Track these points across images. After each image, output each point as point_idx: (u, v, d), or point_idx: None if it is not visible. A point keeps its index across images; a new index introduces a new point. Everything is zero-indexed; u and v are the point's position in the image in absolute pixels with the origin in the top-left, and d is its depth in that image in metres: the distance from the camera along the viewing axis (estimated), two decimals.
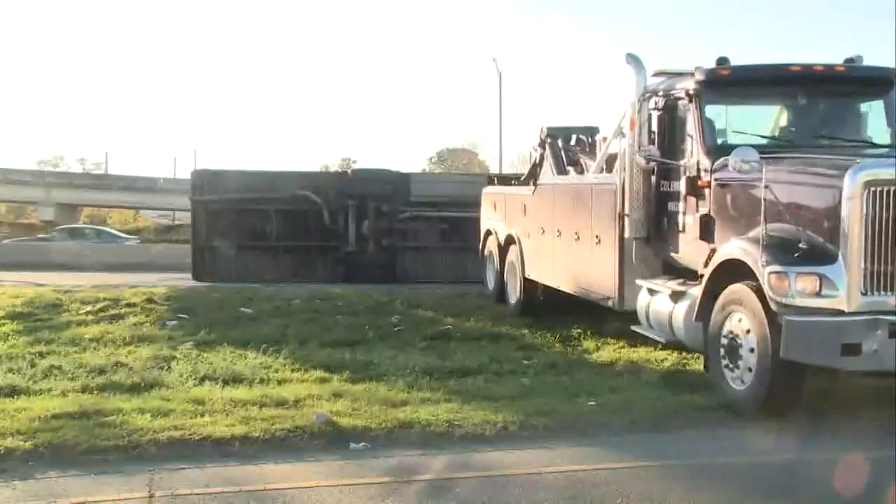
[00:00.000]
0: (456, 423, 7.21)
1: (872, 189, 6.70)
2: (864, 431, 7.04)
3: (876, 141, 8.68)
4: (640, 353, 10.09)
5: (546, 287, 12.37)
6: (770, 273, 6.94)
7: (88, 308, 13.36)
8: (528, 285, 12.89)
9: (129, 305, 13.61)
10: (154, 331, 11.80)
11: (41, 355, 9.89)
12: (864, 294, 6.74)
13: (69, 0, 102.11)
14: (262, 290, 15.70)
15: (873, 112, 8.92)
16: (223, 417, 7.27)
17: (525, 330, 11.88)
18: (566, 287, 11.56)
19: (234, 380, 8.71)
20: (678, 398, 8.04)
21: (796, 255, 6.89)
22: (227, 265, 19.15)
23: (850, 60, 8.84)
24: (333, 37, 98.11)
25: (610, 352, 10.35)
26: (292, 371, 9.22)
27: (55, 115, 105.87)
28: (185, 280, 18.43)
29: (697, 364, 8.74)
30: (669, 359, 9.58)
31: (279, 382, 8.72)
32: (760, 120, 9.18)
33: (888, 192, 6.69)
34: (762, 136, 8.72)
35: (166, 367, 9.28)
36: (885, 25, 70.84)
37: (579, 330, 11.35)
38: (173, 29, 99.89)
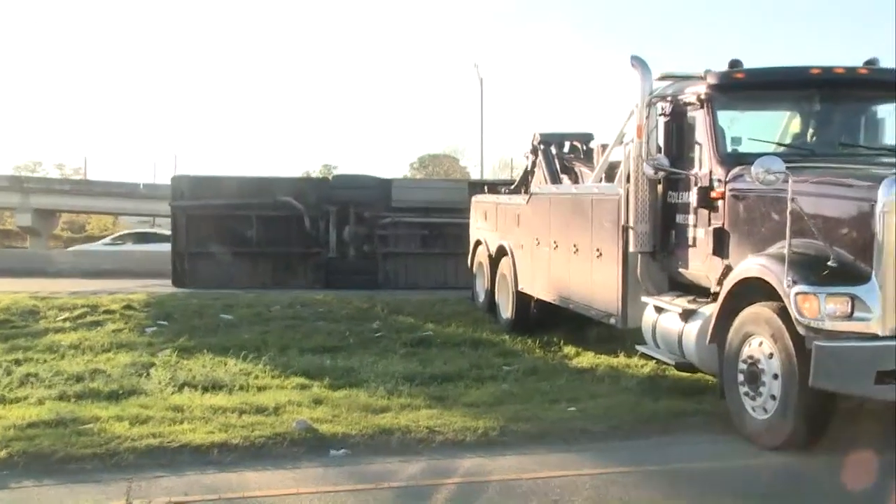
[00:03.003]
0: (436, 429, 7.21)
1: None
2: (845, 437, 7.07)
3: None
4: (620, 359, 10.11)
5: (540, 301, 11.87)
6: (797, 294, 6.40)
7: (66, 315, 13.24)
8: (521, 299, 12.34)
9: (107, 312, 13.50)
10: (133, 337, 11.72)
11: (17, 363, 9.80)
12: None
13: (46, 5, 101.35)
14: (243, 297, 15.65)
15: (890, 117, 8.53)
16: (202, 425, 7.23)
17: (505, 336, 11.90)
18: (563, 302, 11.02)
19: (214, 387, 8.67)
20: (657, 404, 8.06)
21: (825, 273, 6.39)
22: (207, 271, 19.07)
23: (869, 63, 8.43)
24: (315, 42, 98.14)
25: (590, 358, 10.36)
26: (272, 378, 9.20)
27: (32, 121, 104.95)
28: (164, 286, 18.33)
29: (676, 370, 8.72)
30: (649, 365, 9.59)
31: (259, 389, 8.70)
32: (774, 127, 8.76)
33: None
34: (781, 144, 8.28)
35: (145, 374, 9.23)
36: (877, 32, 70.70)
37: (560, 336, 11.37)
38: (153, 34, 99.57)
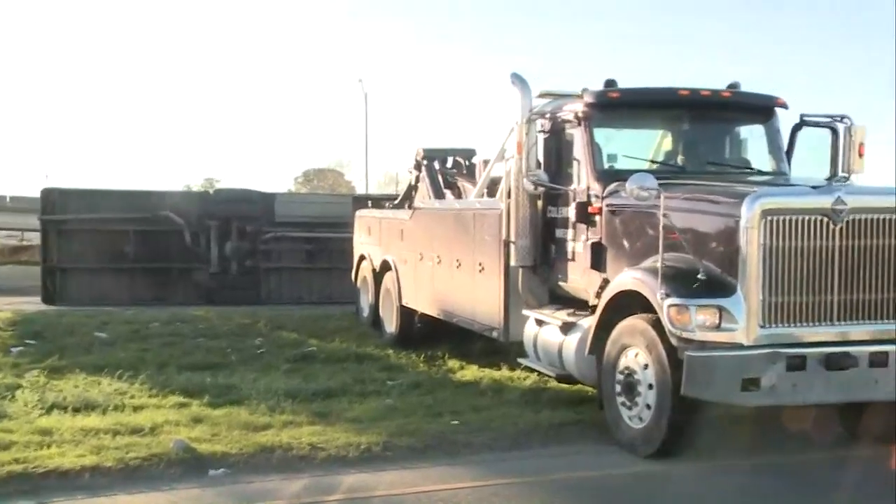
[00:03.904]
0: (319, 445, 7.15)
1: (770, 218, 6.55)
2: (715, 444, 7.35)
3: (758, 168, 8.71)
4: (503, 372, 10.25)
5: (424, 316, 11.95)
6: (670, 306, 6.63)
7: None
8: (406, 314, 12.37)
9: None
10: None
11: None
12: (763, 326, 6.55)
13: None
14: (119, 314, 15.16)
15: (754, 138, 8.99)
16: (72, 448, 6.93)
17: (390, 350, 11.89)
18: (447, 317, 11.10)
19: (86, 407, 8.31)
20: (539, 416, 8.21)
21: (695, 286, 6.62)
22: (80, 288, 18.34)
23: (732, 86, 8.80)
24: (198, 53, 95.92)
25: (474, 371, 10.47)
26: (149, 397, 8.91)
27: None
28: (34, 304, 17.49)
29: (557, 382, 8.89)
30: (531, 377, 9.76)
31: (135, 409, 8.41)
32: (648, 145, 9.08)
33: (786, 221, 6.58)
34: (654, 161, 8.62)
35: (9, 397, 8.73)
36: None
37: (444, 350, 11.44)
38: (24, 38, 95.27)
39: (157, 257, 18.90)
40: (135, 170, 77.77)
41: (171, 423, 7.75)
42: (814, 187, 7.02)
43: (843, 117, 8.58)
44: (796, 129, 8.83)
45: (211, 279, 18.99)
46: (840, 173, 8.53)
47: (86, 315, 14.96)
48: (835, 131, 8.66)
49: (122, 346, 12.14)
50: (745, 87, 8.86)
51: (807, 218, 6.61)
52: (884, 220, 6.72)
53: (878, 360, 6.63)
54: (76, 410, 8.20)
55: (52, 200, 18.84)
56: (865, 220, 6.69)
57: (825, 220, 6.62)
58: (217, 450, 7.01)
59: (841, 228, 6.64)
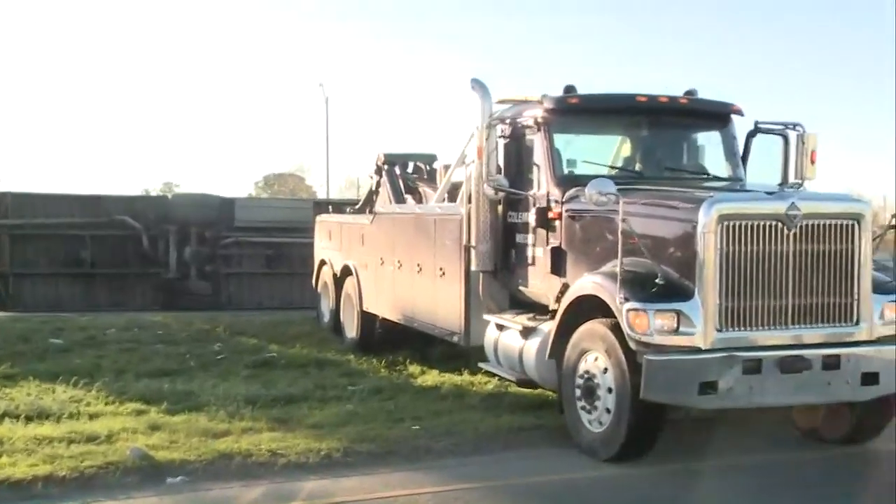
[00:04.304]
0: (279, 452, 7.10)
1: (726, 223, 6.64)
2: (673, 447, 7.43)
3: (715, 173, 8.80)
4: (464, 377, 10.27)
5: (385, 321, 11.88)
6: (629, 310, 6.68)
7: None
8: (366, 319, 12.29)
9: None
10: None
11: None
12: (720, 330, 6.63)
13: None
14: (75, 320, 14.92)
15: (710, 144, 9.10)
16: (24, 457, 6.80)
17: (351, 356, 11.84)
18: (408, 321, 11.06)
19: (40, 416, 8.16)
20: (500, 420, 8.24)
21: (654, 290, 6.69)
22: (34, 294, 18.10)
23: (689, 93, 8.90)
24: (154, 57, 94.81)
25: (434, 376, 10.47)
26: (106, 404, 8.77)
27: None
28: None
29: (518, 386, 8.92)
30: (492, 382, 9.79)
31: (91, 417, 8.27)
32: (607, 150, 9.15)
33: (742, 226, 6.67)
34: (612, 167, 8.66)
35: None
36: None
37: (405, 355, 11.43)
38: None
39: (113, 262, 18.73)
40: (91, 174, 76.49)
41: (128, 430, 7.64)
42: (768, 193, 7.14)
43: (795, 125, 8.74)
44: (751, 135, 8.97)
45: (169, 284, 18.83)
46: (793, 179, 8.69)
47: (40, 321, 14.69)
48: (786, 138, 8.82)
49: (78, 352, 11.95)
50: (703, 94, 9.01)
51: (762, 223, 6.72)
52: (835, 225, 6.86)
53: (831, 363, 6.76)
54: (29, 419, 8.04)
55: (5, 204, 18.55)
56: (818, 225, 6.82)
57: (780, 225, 6.73)
58: (175, 457, 6.93)
59: (795, 233, 6.75)
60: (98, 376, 10.03)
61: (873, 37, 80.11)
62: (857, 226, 6.90)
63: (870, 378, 6.86)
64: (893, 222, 7.53)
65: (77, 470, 6.54)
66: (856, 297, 6.92)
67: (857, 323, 6.94)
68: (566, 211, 8.11)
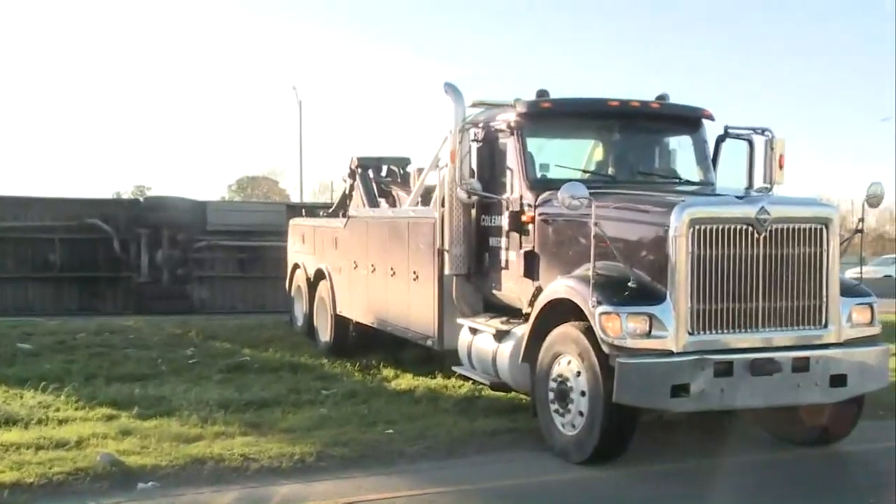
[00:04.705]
0: (251, 456, 7.05)
1: (698, 227, 6.68)
2: (648, 449, 7.44)
3: (686, 177, 8.88)
4: (438, 381, 10.26)
5: (358, 324, 11.89)
6: (601, 313, 6.71)
7: None
8: (340, 323, 12.29)
9: None
10: None
11: None
12: (692, 333, 6.68)
13: None
14: (45, 324, 14.74)
15: (682, 149, 9.16)
16: None
17: (324, 360, 11.80)
18: (381, 325, 11.08)
19: (7, 422, 8.04)
20: (473, 424, 8.24)
21: (626, 294, 6.75)
22: (2, 297, 17.88)
23: (661, 97, 8.98)
24: (126, 60, 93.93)
25: (408, 380, 10.45)
26: (76, 409, 8.66)
27: None
28: None
29: (492, 390, 8.94)
30: (466, 385, 9.79)
31: (60, 422, 8.16)
32: (580, 154, 9.19)
33: (714, 230, 6.72)
34: (585, 171, 8.73)
35: None
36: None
37: (379, 358, 11.40)
38: None
39: (84, 266, 18.56)
40: (61, 176, 75.66)
41: (99, 436, 7.55)
42: (739, 197, 7.21)
43: (764, 130, 8.84)
44: (721, 140, 9.06)
45: (141, 288, 18.70)
46: (761, 184, 8.78)
47: (9, 325, 14.49)
48: (751, 143, 8.91)
49: (47, 357, 11.81)
50: (674, 99, 9.08)
51: (732, 227, 6.78)
52: (804, 229, 6.94)
53: (800, 365, 6.84)
54: None
55: None
56: (787, 229, 6.89)
57: (750, 228, 6.80)
58: (146, 462, 6.86)
59: (764, 237, 6.82)
60: (68, 381, 9.92)
61: (842, 43, 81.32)
62: (825, 230, 6.99)
63: (838, 380, 6.96)
64: (860, 227, 7.63)
65: (45, 476, 6.45)
66: (824, 299, 7.01)
67: (826, 325, 7.04)
68: (539, 215, 8.14)
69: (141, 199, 23.59)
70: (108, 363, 11.38)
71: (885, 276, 30.09)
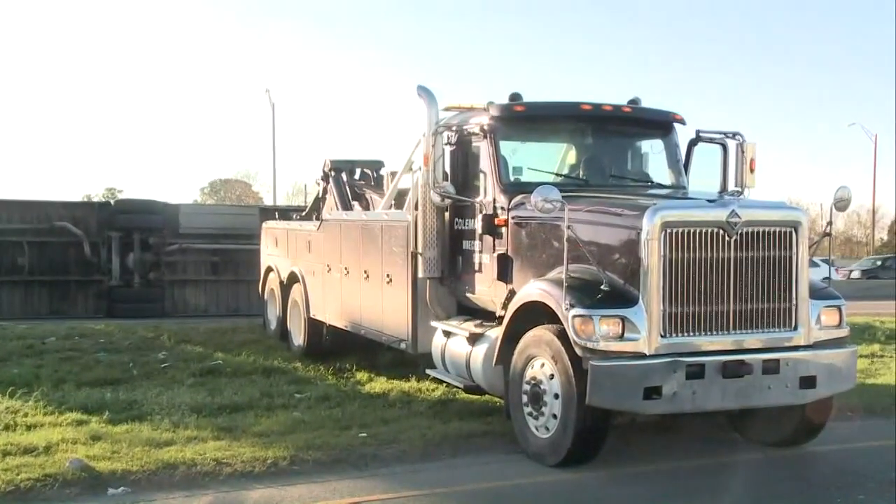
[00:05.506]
0: (224, 461, 7.02)
1: (670, 230, 6.73)
2: (621, 450, 7.50)
3: (658, 181, 8.91)
4: (412, 384, 10.26)
5: (332, 328, 11.86)
6: (574, 316, 6.75)
7: None
8: (314, 326, 12.27)
9: None
10: None
11: None
12: (664, 336, 6.71)
13: None
14: (13, 328, 14.55)
15: (654, 152, 9.22)
16: None
17: (298, 363, 11.76)
18: (355, 328, 11.04)
19: None
20: (447, 427, 8.25)
21: (599, 297, 6.77)
22: None
23: (633, 101, 9.02)
24: (99, 61, 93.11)
25: (382, 383, 10.44)
26: (44, 415, 8.57)
27: None
28: None
29: (466, 393, 8.95)
30: (440, 389, 9.80)
31: (28, 428, 8.08)
32: (553, 157, 9.23)
33: (685, 233, 6.76)
34: (558, 174, 8.75)
35: None
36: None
37: (352, 362, 11.38)
38: None
39: (53, 269, 18.35)
40: (30, 178, 74.95)
41: (68, 441, 7.47)
42: (710, 201, 7.25)
43: (735, 134, 8.93)
44: (692, 144, 9.14)
45: (112, 292, 18.51)
46: (732, 187, 8.87)
47: None
48: (725, 147, 8.99)
49: (15, 361, 11.68)
50: (647, 103, 9.14)
51: (704, 230, 6.83)
52: (774, 232, 7.01)
53: (771, 368, 6.90)
54: None
55: None
56: (758, 232, 6.96)
57: (721, 232, 6.85)
58: (117, 467, 6.80)
59: (735, 240, 6.88)
60: (36, 386, 9.82)
61: (817, 50, 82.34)
62: (794, 233, 7.07)
63: (808, 381, 7.03)
64: (829, 230, 7.72)
65: (12, 483, 6.38)
66: (794, 302, 7.08)
67: (796, 328, 7.11)
68: (512, 218, 8.17)
69: (112, 201, 23.35)
70: (79, 367, 11.29)
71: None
